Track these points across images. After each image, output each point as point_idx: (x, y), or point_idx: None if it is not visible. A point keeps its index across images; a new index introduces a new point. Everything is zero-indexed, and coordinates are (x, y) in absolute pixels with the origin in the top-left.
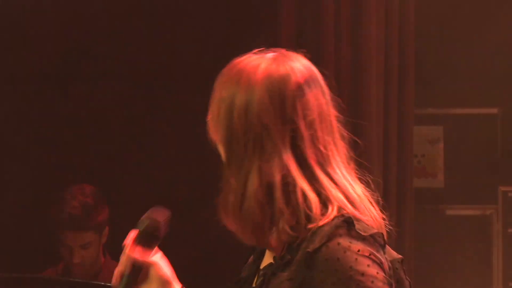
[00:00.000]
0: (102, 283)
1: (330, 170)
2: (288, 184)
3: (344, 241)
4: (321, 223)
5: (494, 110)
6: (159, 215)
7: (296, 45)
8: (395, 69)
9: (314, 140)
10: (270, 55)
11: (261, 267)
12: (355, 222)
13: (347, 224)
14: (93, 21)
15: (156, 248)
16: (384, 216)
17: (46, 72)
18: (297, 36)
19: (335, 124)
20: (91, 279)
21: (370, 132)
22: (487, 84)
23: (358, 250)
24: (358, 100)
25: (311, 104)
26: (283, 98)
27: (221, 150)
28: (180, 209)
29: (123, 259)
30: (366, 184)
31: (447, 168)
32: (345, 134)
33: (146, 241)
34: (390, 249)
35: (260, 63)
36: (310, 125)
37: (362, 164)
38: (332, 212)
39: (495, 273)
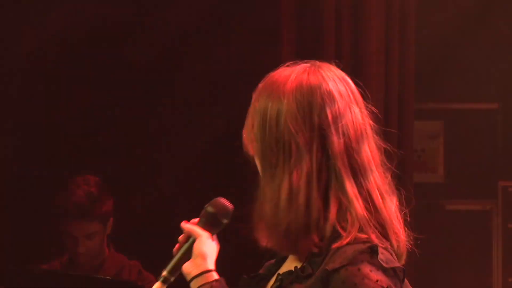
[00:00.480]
0: (109, 278)
1: (364, 180)
2: (302, 191)
3: (365, 268)
4: (344, 242)
5: (494, 105)
6: (226, 205)
7: (297, 38)
8: (395, 63)
9: (347, 147)
10: (302, 65)
11: (281, 272)
12: (379, 251)
13: (371, 251)
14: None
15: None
16: (408, 237)
17: (55, 67)
18: (298, 32)
19: (370, 133)
20: (95, 271)
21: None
22: (488, 79)
23: (377, 280)
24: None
25: (342, 112)
26: (311, 106)
27: (257, 161)
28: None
29: (185, 230)
30: (399, 197)
31: (447, 163)
32: (381, 144)
33: (208, 223)
34: (408, 284)
35: (291, 73)
36: (343, 133)
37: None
38: (352, 230)
39: (495, 268)
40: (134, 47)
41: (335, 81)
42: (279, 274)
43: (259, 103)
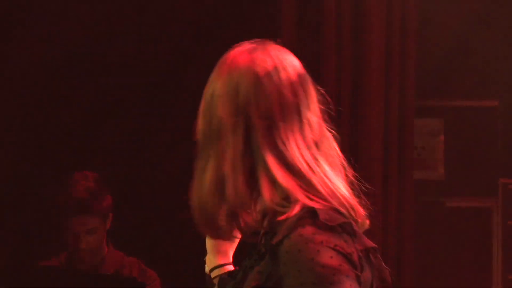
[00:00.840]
0: (109, 274)
1: (293, 159)
2: (229, 177)
3: (307, 232)
4: (286, 215)
5: (494, 103)
6: None
7: (297, 36)
8: (396, 61)
9: (272, 130)
10: (245, 47)
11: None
12: (320, 211)
13: (311, 214)
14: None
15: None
16: (367, 204)
17: (54, 68)
18: (298, 28)
19: (309, 118)
20: (96, 269)
21: (371, 124)
22: (488, 76)
23: (321, 241)
24: (358, 92)
25: (269, 95)
26: (238, 89)
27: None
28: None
29: None
30: (355, 178)
31: (447, 160)
32: (330, 130)
33: None
34: (364, 237)
35: (231, 55)
36: (267, 116)
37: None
38: (295, 204)
39: (495, 265)
40: (135, 50)
41: (267, 63)
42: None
43: (207, 84)
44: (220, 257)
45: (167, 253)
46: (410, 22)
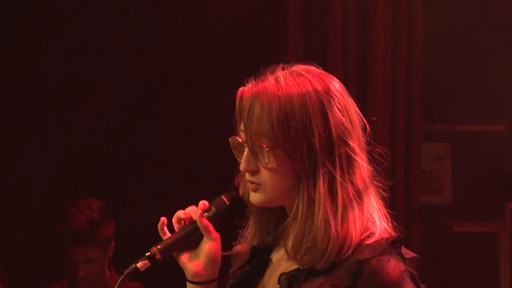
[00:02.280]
0: None
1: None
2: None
3: (394, 259)
4: (367, 241)
5: (501, 127)
6: (244, 205)
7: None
8: (402, 85)
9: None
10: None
11: (285, 270)
12: (401, 244)
13: (396, 243)
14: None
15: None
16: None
17: (54, 84)
18: (304, 56)
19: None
20: None
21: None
22: (495, 100)
23: (404, 270)
24: (365, 117)
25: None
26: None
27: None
28: None
29: (194, 214)
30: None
31: (455, 185)
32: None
33: (221, 216)
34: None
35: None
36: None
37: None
38: (377, 233)
39: None
40: (141, 67)
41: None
42: (284, 273)
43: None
44: (217, 270)
45: (170, 278)
46: (416, 46)
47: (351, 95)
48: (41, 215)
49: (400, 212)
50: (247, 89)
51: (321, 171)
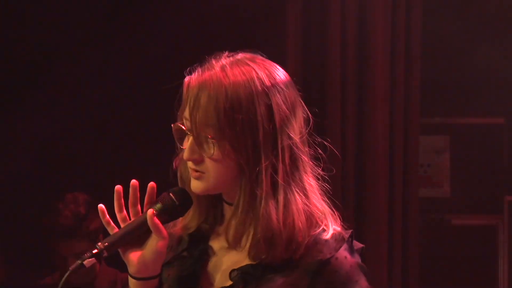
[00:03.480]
0: None
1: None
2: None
3: (349, 255)
4: (322, 236)
5: (500, 120)
6: (190, 200)
7: (303, 57)
8: (401, 78)
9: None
10: (259, 61)
11: (235, 266)
12: (351, 235)
13: (349, 239)
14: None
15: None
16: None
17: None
18: (304, 47)
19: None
20: (88, 286)
21: (376, 142)
22: (494, 93)
23: (358, 264)
24: (364, 109)
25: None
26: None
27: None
28: None
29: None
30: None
31: (453, 178)
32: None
33: (167, 212)
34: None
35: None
36: (288, 136)
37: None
38: (328, 225)
39: (501, 283)
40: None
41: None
42: (235, 270)
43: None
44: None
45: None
46: (414, 39)
47: (348, 90)
48: (30, 209)
49: (398, 205)
50: (193, 78)
51: (264, 164)
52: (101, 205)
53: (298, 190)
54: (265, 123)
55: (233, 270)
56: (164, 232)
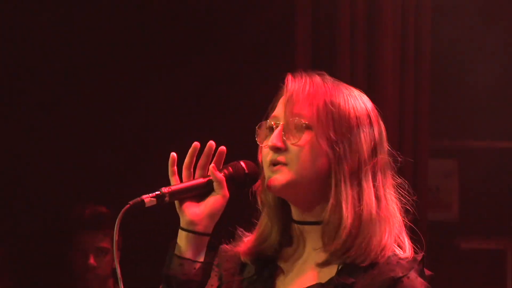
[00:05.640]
0: None
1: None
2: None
3: (420, 277)
4: (399, 255)
5: (509, 144)
6: (258, 175)
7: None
8: (410, 101)
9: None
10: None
11: (304, 286)
12: (425, 262)
13: (422, 261)
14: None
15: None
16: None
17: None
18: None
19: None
20: None
21: None
22: (503, 117)
23: (427, 286)
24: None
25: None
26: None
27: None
28: None
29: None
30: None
31: (462, 201)
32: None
33: (235, 179)
34: None
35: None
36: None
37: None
38: (407, 249)
39: None
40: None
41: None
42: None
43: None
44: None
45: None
46: (424, 62)
47: None
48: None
49: (407, 229)
50: (292, 77)
51: (367, 165)
52: (173, 153)
53: (389, 204)
54: (365, 128)
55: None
56: (225, 189)
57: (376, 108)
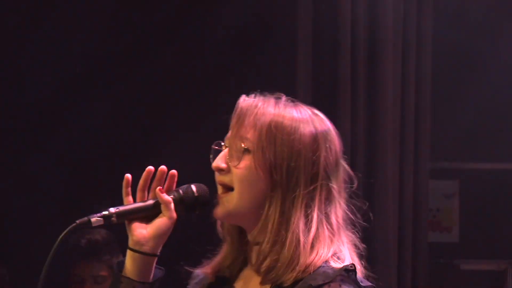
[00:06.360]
0: None
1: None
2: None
3: (345, 285)
4: (326, 265)
5: (510, 165)
6: (209, 199)
7: (313, 99)
8: (410, 123)
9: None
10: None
11: None
12: (356, 272)
13: (350, 271)
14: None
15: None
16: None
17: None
18: (314, 92)
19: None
20: None
21: (386, 186)
22: (504, 138)
23: None
24: (374, 154)
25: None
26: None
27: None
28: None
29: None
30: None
31: (462, 223)
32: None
33: (184, 202)
34: None
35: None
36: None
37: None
38: (327, 254)
39: None
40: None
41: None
42: None
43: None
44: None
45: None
46: (424, 82)
47: (358, 133)
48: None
49: (408, 250)
50: (246, 99)
51: (302, 192)
52: (128, 175)
53: (328, 230)
54: (307, 153)
55: None
56: (172, 212)
57: (332, 131)
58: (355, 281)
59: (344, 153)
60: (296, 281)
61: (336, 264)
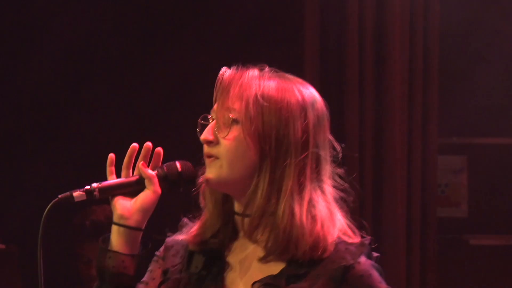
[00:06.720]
0: None
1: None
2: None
3: (369, 260)
4: (346, 242)
5: None
6: (195, 176)
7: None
8: (419, 98)
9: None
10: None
11: (256, 278)
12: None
13: (369, 245)
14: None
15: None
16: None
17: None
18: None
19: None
20: None
21: (394, 162)
22: (511, 114)
23: (378, 268)
24: (382, 129)
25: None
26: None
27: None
28: None
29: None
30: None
31: (471, 198)
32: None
33: (168, 179)
34: None
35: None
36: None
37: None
38: (348, 233)
39: None
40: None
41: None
42: (256, 282)
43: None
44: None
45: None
46: (432, 59)
47: (366, 109)
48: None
49: (416, 225)
50: (229, 71)
51: (293, 160)
52: (112, 154)
53: (322, 197)
54: (296, 121)
55: (255, 282)
56: (157, 186)
57: (318, 100)
58: (371, 254)
59: (353, 129)
60: (313, 260)
61: (350, 239)
